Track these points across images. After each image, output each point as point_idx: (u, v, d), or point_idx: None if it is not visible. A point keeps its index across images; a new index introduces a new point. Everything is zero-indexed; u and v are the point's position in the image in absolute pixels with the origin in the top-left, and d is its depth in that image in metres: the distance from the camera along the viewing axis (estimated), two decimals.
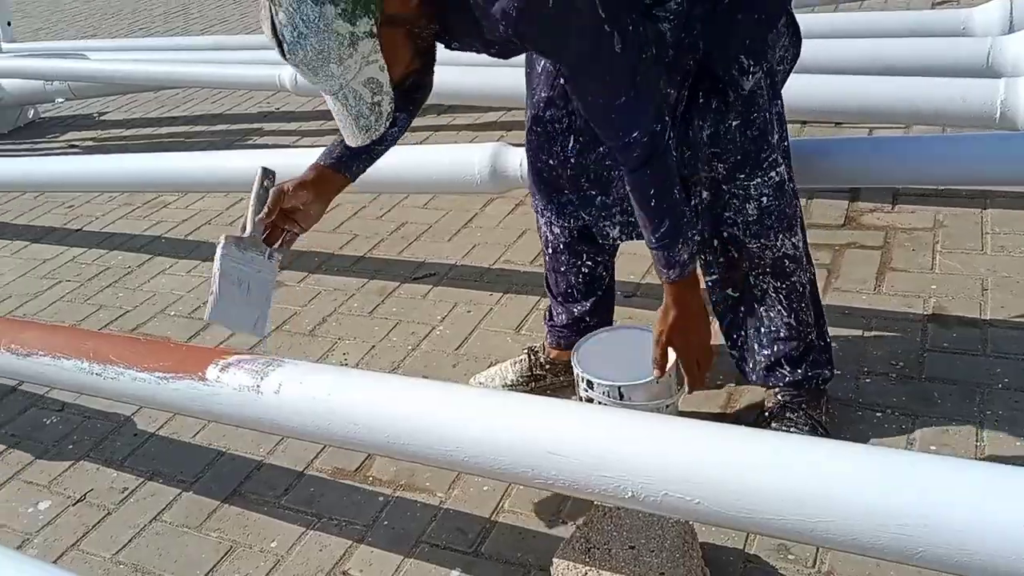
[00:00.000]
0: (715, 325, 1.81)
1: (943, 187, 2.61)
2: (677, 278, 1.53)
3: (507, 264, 2.69)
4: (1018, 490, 0.99)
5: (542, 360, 2.02)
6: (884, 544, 1.04)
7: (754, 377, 1.78)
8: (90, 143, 4.80)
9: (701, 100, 1.53)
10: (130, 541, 1.83)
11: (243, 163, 2.71)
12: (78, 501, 1.98)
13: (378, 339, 2.40)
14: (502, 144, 2.35)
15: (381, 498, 1.83)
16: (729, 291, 1.72)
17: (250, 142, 4.35)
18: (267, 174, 1.59)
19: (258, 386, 1.50)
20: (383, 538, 1.73)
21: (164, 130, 4.83)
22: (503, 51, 1.41)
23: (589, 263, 1.87)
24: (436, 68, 1.57)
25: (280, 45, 1.27)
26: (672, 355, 1.63)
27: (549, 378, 2.02)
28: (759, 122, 1.55)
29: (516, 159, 2.25)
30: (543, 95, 1.66)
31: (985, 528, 0.98)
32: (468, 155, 2.34)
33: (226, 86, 4.57)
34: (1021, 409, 1.77)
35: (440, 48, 1.46)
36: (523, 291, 2.51)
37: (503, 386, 2.02)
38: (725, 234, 1.65)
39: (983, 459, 1.63)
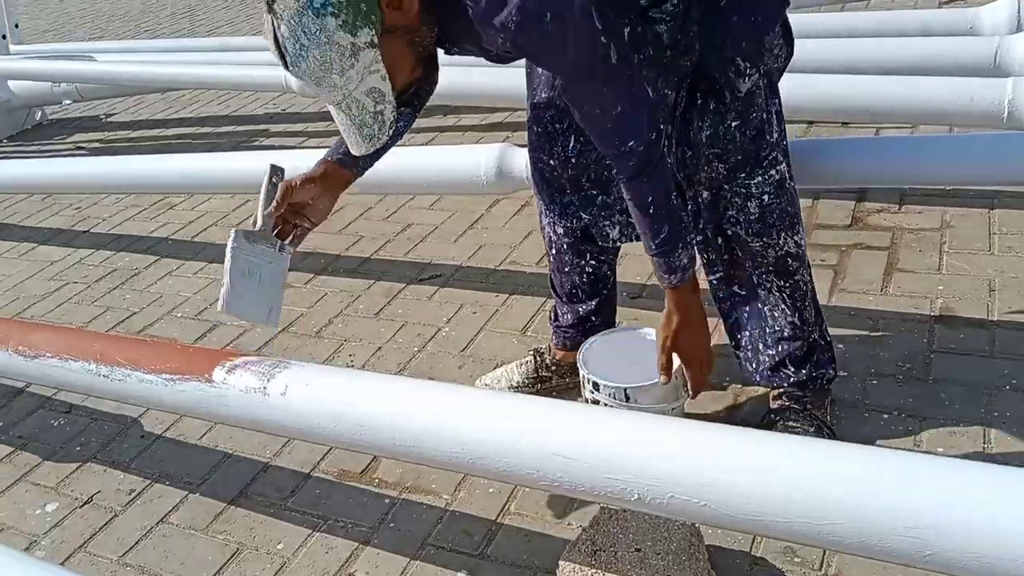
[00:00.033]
0: (717, 325, 1.81)
1: (950, 187, 2.60)
2: (679, 283, 1.53)
3: (513, 265, 2.69)
4: None
5: (548, 361, 2.02)
6: (892, 547, 1.03)
7: (758, 378, 1.78)
8: (97, 144, 4.82)
9: (699, 101, 1.54)
10: (137, 543, 1.84)
11: (250, 164, 2.71)
12: (85, 503, 1.98)
13: (384, 340, 2.40)
14: (508, 145, 2.35)
15: (387, 500, 1.83)
16: (735, 288, 1.72)
17: (256, 143, 4.36)
18: (275, 171, 1.61)
19: (264, 388, 1.50)
20: (389, 540, 1.73)
21: (171, 131, 4.84)
22: (501, 58, 1.42)
23: (593, 262, 1.88)
24: (442, 68, 1.58)
25: (283, 58, 1.28)
26: (676, 359, 1.63)
27: (555, 379, 2.02)
28: (757, 121, 1.56)
29: (522, 160, 2.24)
30: (543, 95, 1.67)
31: (993, 531, 0.97)
32: (474, 156, 2.34)
33: (232, 87, 4.58)
34: None
35: (440, 52, 1.47)
36: (529, 292, 2.51)
37: (509, 388, 2.02)
38: (729, 232, 1.65)
39: (991, 461, 1.63)
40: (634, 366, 1.68)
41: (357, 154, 1.43)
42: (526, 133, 1.78)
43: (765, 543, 1.56)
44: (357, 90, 1.31)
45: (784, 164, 1.62)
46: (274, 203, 1.57)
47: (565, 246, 1.85)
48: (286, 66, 1.29)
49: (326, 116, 4.44)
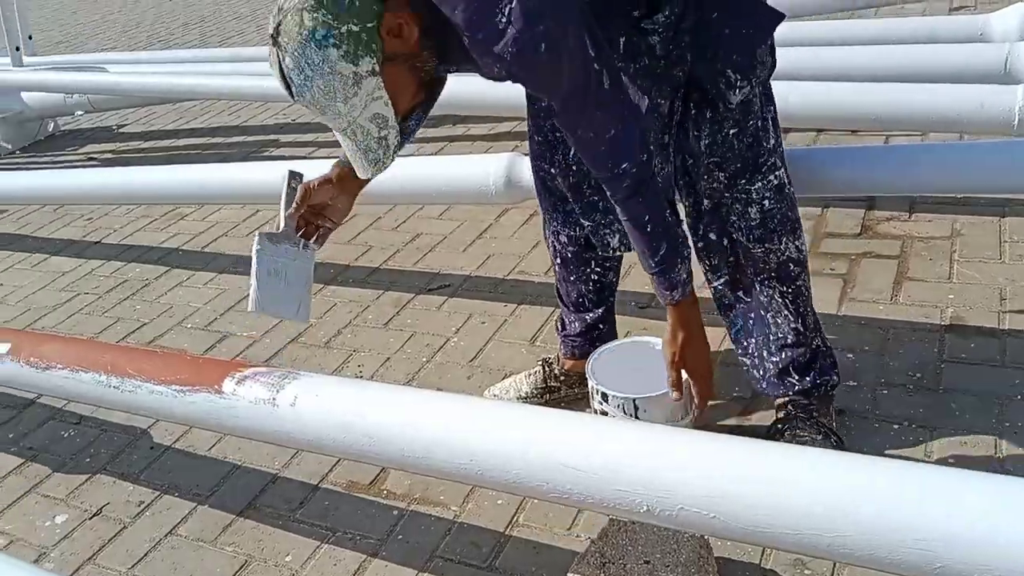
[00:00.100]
0: (723, 339, 1.80)
1: (960, 195, 2.59)
2: (680, 298, 1.55)
3: (522, 275, 2.69)
4: None
5: (556, 372, 2.02)
6: (902, 559, 1.02)
7: (764, 385, 1.78)
8: (109, 155, 4.85)
9: (694, 111, 1.56)
10: (146, 555, 1.84)
11: (260, 175, 2.71)
12: (95, 515, 1.99)
13: (393, 351, 2.40)
14: (517, 154, 2.34)
15: (395, 512, 1.83)
16: (740, 294, 1.72)
17: (267, 153, 4.37)
18: (294, 176, 1.65)
19: (274, 399, 1.50)
20: (397, 552, 1.72)
21: (182, 142, 4.86)
22: (499, 80, 1.44)
23: (598, 269, 1.89)
24: (451, 78, 1.59)
25: (289, 88, 1.33)
26: (684, 374, 1.63)
27: (564, 390, 2.02)
28: (754, 129, 1.58)
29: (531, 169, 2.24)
30: (543, 104, 1.68)
31: (1005, 543, 0.96)
32: (483, 166, 2.34)
33: (243, 98, 4.60)
34: None
35: None
36: (538, 302, 2.51)
37: (517, 398, 2.02)
38: (733, 235, 1.65)
39: (1002, 471, 1.62)
40: (643, 377, 1.68)
41: (363, 177, 1.47)
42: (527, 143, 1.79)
43: (775, 555, 1.56)
44: (361, 117, 1.34)
45: (782, 169, 1.63)
46: (294, 205, 1.61)
47: (569, 255, 1.87)
48: (292, 96, 1.34)
49: None
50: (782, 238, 1.64)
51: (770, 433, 1.77)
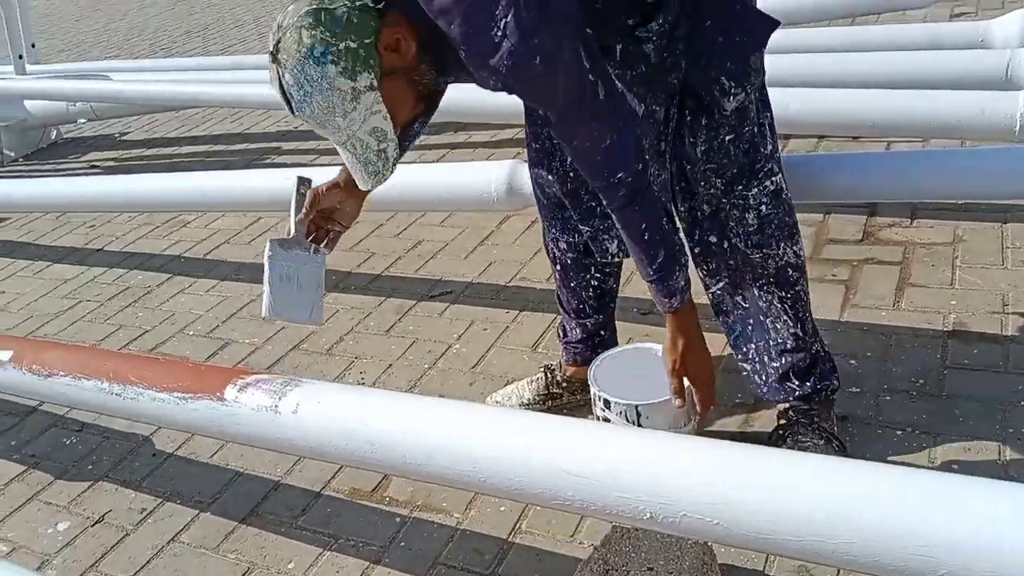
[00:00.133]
0: (725, 348, 1.80)
1: (962, 201, 2.59)
2: (679, 305, 1.55)
3: (523, 281, 2.69)
4: None
5: (559, 378, 2.02)
6: (906, 565, 1.02)
7: (765, 390, 1.78)
8: (111, 163, 4.86)
9: (690, 118, 1.57)
10: (148, 562, 1.84)
11: (262, 182, 2.72)
12: (97, 522, 1.99)
13: (395, 358, 2.40)
14: (518, 161, 2.34)
15: (398, 519, 1.82)
16: (739, 299, 1.72)
17: (269, 161, 4.38)
18: (303, 181, 1.67)
19: (276, 406, 1.50)
20: (400, 559, 1.72)
21: (184, 150, 4.87)
22: (496, 91, 1.45)
23: (598, 275, 1.90)
24: (452, 86, 1.59)
25: (289, 104, 1.35)
26: (686, 381, 1.63)
27: (566, 396, 2.02)
28: (750, 135, 1.58)
29: None
30: (540, 111, 1.68)
31: (1009, 549, 0.96)
32: (485, 173, 2.34)
33: (245, 105, 4.60)
34: None
35: None
36: (539, 308, 2.51)
37: (520, 405, 2.02)
38: (731, 241, 1.66)
39: (1006, 477, 1.61)
40: (645, 383, 1.68)
41: (364, 189, 1.48)
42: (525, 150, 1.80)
43: (778, 562, 1.55)
44: (360, 130, 1.36)
45: (780, 175, 1.64)
46: (304, 210, 1.62)
47: (569, 261, 1.88)
48: (292, 111, 1.36)
49: None
50: (780, 243, 1.64)
51: (772, 439, 1.77)
